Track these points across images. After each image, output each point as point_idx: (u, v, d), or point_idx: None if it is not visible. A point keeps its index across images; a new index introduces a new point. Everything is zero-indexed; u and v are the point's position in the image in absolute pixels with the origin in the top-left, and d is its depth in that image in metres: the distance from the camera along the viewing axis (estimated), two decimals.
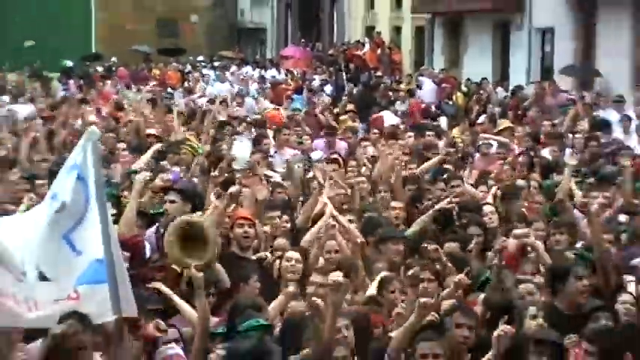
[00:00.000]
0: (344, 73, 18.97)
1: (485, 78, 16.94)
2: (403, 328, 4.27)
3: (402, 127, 11.95)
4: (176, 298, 4.86)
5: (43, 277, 4.41)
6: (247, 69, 22.28)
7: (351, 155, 9.36)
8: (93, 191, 4.38)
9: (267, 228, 6.15)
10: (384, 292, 5.04)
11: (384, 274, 5.22)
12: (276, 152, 9.29)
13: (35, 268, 4.38)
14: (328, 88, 17.90)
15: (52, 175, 5.99)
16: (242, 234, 5.60)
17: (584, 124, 10.97)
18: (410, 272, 4.85)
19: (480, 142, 9.99)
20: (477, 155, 9.74)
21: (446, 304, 4.72)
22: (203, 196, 6.59)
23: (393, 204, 6.85)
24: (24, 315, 4.34)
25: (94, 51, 27.70)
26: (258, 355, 4.20)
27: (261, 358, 4.24)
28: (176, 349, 4.73)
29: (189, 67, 22.45)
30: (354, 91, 17.29)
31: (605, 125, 10.97)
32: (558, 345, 4.20)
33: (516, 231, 5.84)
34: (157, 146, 8.62)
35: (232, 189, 5.93)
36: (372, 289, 5.23)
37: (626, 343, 4.08)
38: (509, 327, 4.17)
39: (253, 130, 10.60)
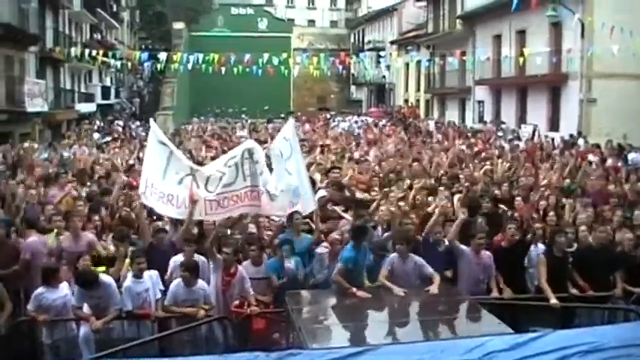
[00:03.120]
0: (395, 118, 35.23)
1: (453, 121, 32.09)
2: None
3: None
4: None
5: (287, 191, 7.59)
6: (354, 117, 38.26)
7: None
8: (295, 153, 7.76)
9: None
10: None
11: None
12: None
13: (295, 182, 7.69)
14: (388, 124, 33.31)
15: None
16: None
17: None
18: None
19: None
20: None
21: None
22: None
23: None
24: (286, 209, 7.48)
25: (291, 109, 48.18)
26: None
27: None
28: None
29: (330, 115, 41.65)
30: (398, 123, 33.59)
31: None
32: None
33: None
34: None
35: None
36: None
37: None
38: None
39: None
